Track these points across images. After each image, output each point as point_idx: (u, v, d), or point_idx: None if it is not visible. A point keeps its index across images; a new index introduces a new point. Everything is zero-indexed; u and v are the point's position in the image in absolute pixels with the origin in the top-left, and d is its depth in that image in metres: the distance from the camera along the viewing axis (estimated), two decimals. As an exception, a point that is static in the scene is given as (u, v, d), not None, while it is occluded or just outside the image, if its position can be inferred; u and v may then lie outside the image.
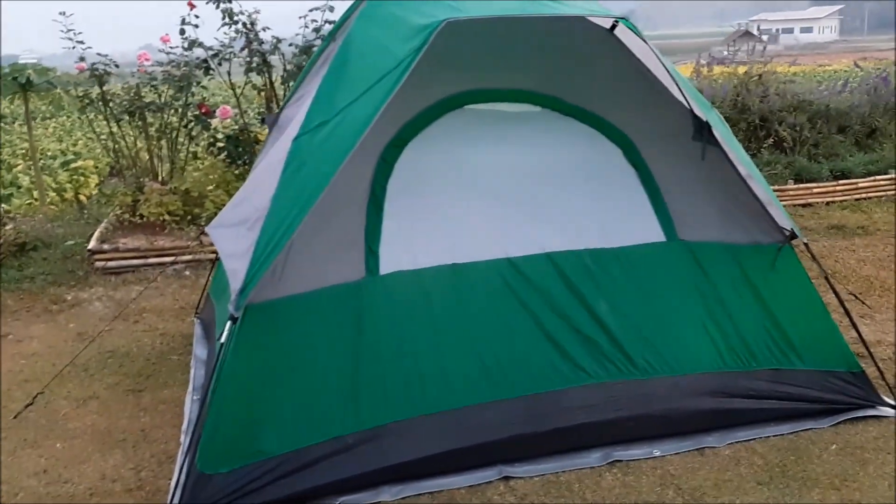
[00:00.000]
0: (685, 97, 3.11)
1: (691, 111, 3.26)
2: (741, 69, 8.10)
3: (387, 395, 2.92)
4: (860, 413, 3.35)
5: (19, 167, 10.92)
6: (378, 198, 3.10)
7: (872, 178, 7.43)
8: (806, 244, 3.44)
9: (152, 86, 6.62)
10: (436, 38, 2.80)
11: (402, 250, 3.09)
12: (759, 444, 3.19)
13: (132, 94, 6.60)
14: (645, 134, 3.41)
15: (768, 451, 3.14)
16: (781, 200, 7.17)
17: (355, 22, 3.17)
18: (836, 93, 8.44)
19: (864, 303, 4.66)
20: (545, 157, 3.37)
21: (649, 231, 3.38)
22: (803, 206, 7.19)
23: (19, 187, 9.79)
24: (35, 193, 8.65)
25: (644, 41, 3.04)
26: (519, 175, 3.32)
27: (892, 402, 3.40)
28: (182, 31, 6.16)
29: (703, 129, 3.25)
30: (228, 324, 2.71)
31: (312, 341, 2.91)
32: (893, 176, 7.46)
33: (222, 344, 2.71)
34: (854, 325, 3.52)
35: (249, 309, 2.81)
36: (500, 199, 3.27)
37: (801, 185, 7.28)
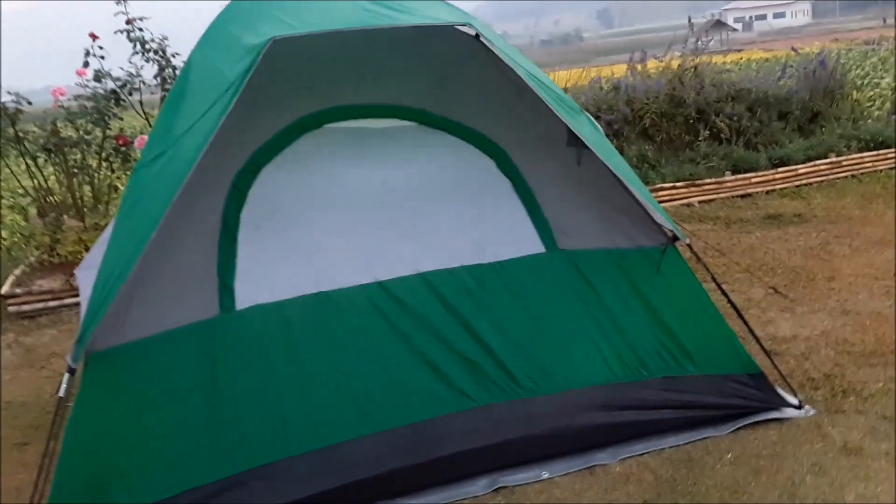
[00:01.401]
0: (548, 103, 2.97)
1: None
2: (675, 63, 8.00)
3: (247, 439, 2.76)
4: (761, 416, 3.21)
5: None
6: (230, 228, 2.95)
7: (812, 163, 7.34)
8: (689, 245, 3.30)
9: (69, 121, 6.46)
10: (281, 56, 2.68)
11: (260, 282, 2.94)
12: (652, 457, 3.04)
13: (48, 131, 6.44)
14: (518, 143, 3.28)
15: (661, 464, 3.00)
16: (720, 192, 7.13)
17: (196, 45, 3.03)
18: (775, 80, 8.34)
19: (785, 296, 4.54)
20: (414, 173, 3.22)
21: (528, 243, 3.24)
22: (742, 196, 7.09)
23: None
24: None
25: (493, 49, 2.89)
26: (387, 194, 3.17)
27: (794, 402, 3.26)
28: (86, 64, 6.00)
29: (576, 135, 3.12)
30: (66, 376, 2.55)
31: (163, 387, 2.75)
32: (832, 160, 7.36)
33: (60, 398, 2.55)
34: (748, 326, 3.37)
35: (91, 358, 2.66)
36: (368, 221, 3.13)
37: (740, 176, 7.18)
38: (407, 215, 3.17)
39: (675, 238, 3.27)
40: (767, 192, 7.12)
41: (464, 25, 2.88)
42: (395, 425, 2.91)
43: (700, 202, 7.02)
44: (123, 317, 2.73)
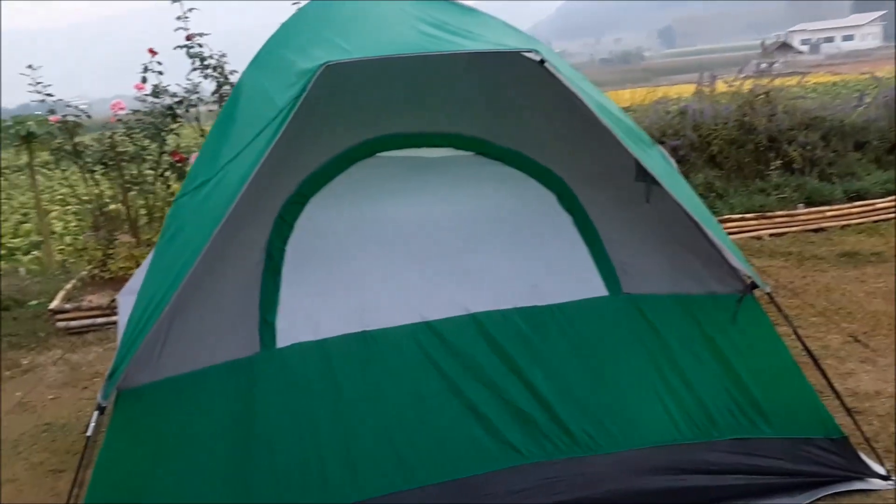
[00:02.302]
0: (616, 134, 2.74)
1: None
2: (746, 86, 7.65)
3: (280, 488, 2.58)
4: (843, 487, 2.89)
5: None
6: (275, 262, 2.79)
7: (892, 197, 6.90)
8: (769, 294, 3.01)
9: (127, 135, 6.46)
10: (333, 80, 2.53)
11: (303, 320, 2.77)
12: (720, 528, 2.77)
13: (105, 145, 6.45)
14: (582, 177, 3.06)
15: (730, 536, 2.72)
16: (792, 226, 6.75)
17: (247, 67, 2.90)
18: (852, 107, 7.92)
19: (865, 345, 4.19)
20: (469, 206, 3.03)
21: (589, 285, 3.01)
22: (815, 231, 6.70)
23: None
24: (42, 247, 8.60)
25: (559, 76, 2.68)
26: (439, 228, 2.98)
27: (881, 472, 2.94)
28: (144, 79, 5.99)
29: (645, 169, 2.88)
30: (95, 414, 2.42)
31: (196, 428, 2.60)
32: (914, 194, 6.93)
33: (88, 437, 2.42)
34: (828, 381, 3.06)
35: (122, 395, 2.53)
36: (418, 256, 2.94)
37: (813, 209, 6.80)
38: (459, 251, 2.97)
39: (754, 285, 2.99)
40: (842, 227, 6.72)
41: (529, 52, 2.68)
42: (438, 480, 2.70)
43: (770, 235, 6.65)
44: (159, 352, 2.60)
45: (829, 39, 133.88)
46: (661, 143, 7.42)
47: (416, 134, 3.04)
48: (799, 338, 3.04)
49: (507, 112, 3.06)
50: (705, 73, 8.03)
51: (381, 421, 2.73)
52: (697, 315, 2.99)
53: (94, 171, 6.49)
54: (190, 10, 6.17)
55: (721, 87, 7.87)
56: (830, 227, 6.72)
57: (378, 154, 2.99)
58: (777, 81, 8.00)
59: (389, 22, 2.86)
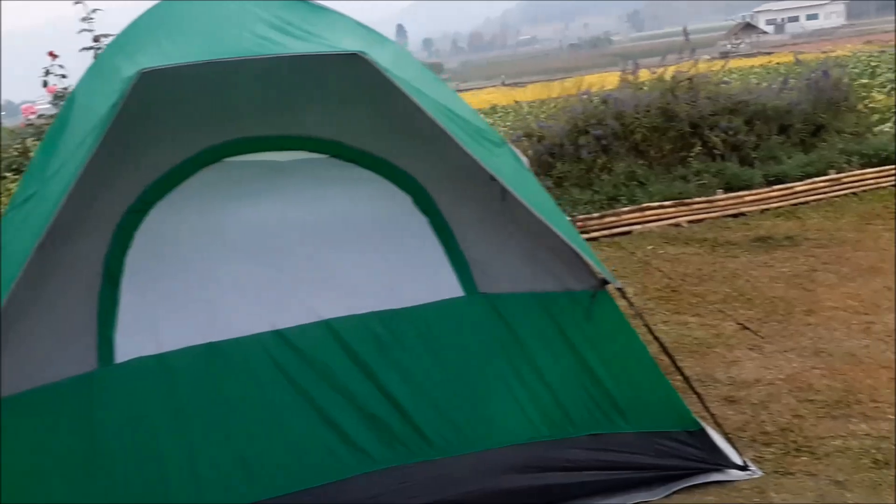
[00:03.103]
0: (454, 135, 2.71)
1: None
2: (669, 73, 7.68)
3: (122, 509, 2.54)
4: (701, 479, 2.91)
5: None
6: (113, 274, 2.73)
7: (810, 180, 6.97)
8: (620, 289, 3.01)
9: (39, 139, 6.33)
10: (175, 85, 2.56)
11: (145, 333, 2.72)
12: (576, 525, 2.77)
13: (16, 151, 6.31)
14: (436, 177, 3.02)
15: (584, 533, 2.73)
16: (710, 212, 6.80)
17: (83, 74, 2.84)
18: (776, 91, 7.97)
19: (755, 333, 4.22)
20: (322, 210, 2.98)
21: (446, 286, 2.98)
22: (734, 216, 6.75)
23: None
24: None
25: (392, 79, 2.64)
26: (291, 233, 2.94)
27: (739, 462, 2.96)
28: (45, 83, 5.86)
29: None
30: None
31: (31, 449, 2.55)
32: (832, 176, 6.99)
33: None
34: (683, 375, 3.06)
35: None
36: (268, 263, 2.89)
37: (732, 194, 6.85)
38: (312, 256, 2.93)
39: (605, 282, 2.99)
40: (762, 212, 6.77)
41: (356, 53, 2.62)
42: (288, 490, 2.67)
43: (689, 222, 6.69)
44: (-8, 370, 2.53)
45: (794, 19, 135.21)
46: (585, 132, 7.46)
47: (267, 137, 2.98)
48: (651, 331, 3.04)
49: (360, 114, 3.01)
50: (629, 62, 8.04)
51: (228, 435, 2.69)
52: (554, 312, 2.97)
53: (5, 177, 6.36)
54: (94, 10, 6.05)
55: (645, 74, 7.88)
56: (749, 211, 6.77)
57: (226, 159, 2.94)
58: (701, 66, 8.04)
59: (227, 24, 2.80)
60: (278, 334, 2.82)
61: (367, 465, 2.75)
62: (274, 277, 2.88)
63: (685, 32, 8.98)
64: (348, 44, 2.73)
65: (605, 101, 7.59)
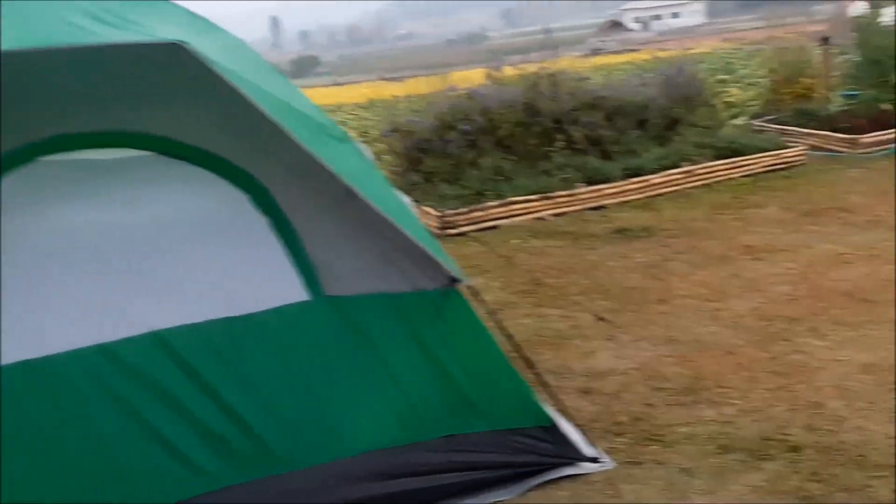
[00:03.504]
0: (288, 130, 2.57)
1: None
2: (530, 69, 7.79)
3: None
4: (555, 474, 2.91)
5: None
6: None
7: (665, 172, 7.23)
8: (471, 287, 2.96)
9: None
10: None
11: (-54, 353, 2.43)
12: (430, 530, 2.70)
13: None
14: (277, 173, 2.86)
15: (437, 538, 2.66)
16: (573, 205, 6.93)
17: None
18: (634, 87, 8.24)
19: (611, 323, 4.31)
20: (151, 212, 2.76)
21: (289, 290, 2.83)
22: (596, 209, 6.91)
23: None
24: None
25: (215, 70, 2.46)
26: (116, 238, 2.71)
27: (592, 455, 2.98)
28: None
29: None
30: None
31: None
32: (685, 169, 7.28)
33: None
34: (533, 369, 3.06)
35: None
36: (92, 272, 2.65)
37: (593, 188, 7.01)
38: (140, 263, 2.71)
39: (455, 280, 2.93)
40: (621, 204, 6.96)
41: (180, 44, 2.43)
42: (118, 514, 2.46)
43: (553, 215, 6.80)
44: None
45: (659, 17, 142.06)
46: (452, 127, 7.44)
47: (87, 134, 2.73)
48: (502, 329, 3.01)
49: (189, 109, 2.81)
50: (493, 60, 8.10)
51: (46, 461, 2.45)
52: (405, 313, 2.89)
53: None
54: None
55: (509, 71, 7.96)
56: (609, 204, 6.95)
57: (42, 158, 2.67)
58: (564, 63, 8.21)
59: (37, 11, 2.54)
60: (103, 349, 2.59)
61: (204, 484, 2.58)
62: (98, 287, 2.65)
63: (547, 30, 9.12)
64: (168, 33, 2.53)
65: (471, 97, 7.61)
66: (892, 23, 8.48)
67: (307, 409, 2.75)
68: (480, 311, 3.02)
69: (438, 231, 6.52)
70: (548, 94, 7.57)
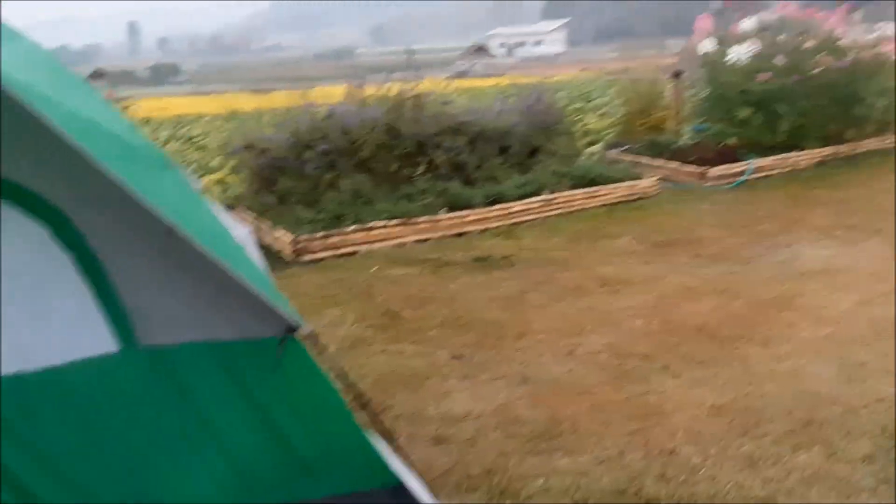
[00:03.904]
0: (91, 158, 2.20)
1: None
2: (394, 90, 7.59)
3: None
4: (402, 539, 2.65)
5: None
6: None
7: (526, 201, 7.21)
8: (313, 335, 2.67)
9: None
10: None
11: None
12: None
13: None
14: (84, 205, 2.46)
15: None
16: (435, 231, 6.75)
17: None
18: (496, 113, 8.20)
19: (469, 360, 4.13)
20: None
21: (96, 339, 2.44)
22: (457, 235, 6.77)
23: None
24: None
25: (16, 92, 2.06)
26: None
27: (443, 513, 2.75)
28: None
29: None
30: None
31: None
32: (545, 197, 7.29)
33: None
34: (376, 422, 2.80)
35: None
36: None
37: (455, 214, 6.86)
38: None
39: (293, 328, 2.63)
40: (482, 232, 6.87)
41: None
42: None
43: (415, 242, 6.60)
44: None
45: (522, 44, 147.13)
46: (310, 147, 7.10)
47: None
48: (340, 381, 2.73)
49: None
50: (355, 78, 7.84)
51: None
52: (233, 364, 2.55)
53: None
54: None
55: (370, 90, 7.73)
56: (471, 231, 6.84)
57: None
58: (426, 84, 8.07)
59: None
60: None
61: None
62: None
63: (409, 52, 8.97)
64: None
65: (330, 115, 7.30)
66: (737, 60, 8.92)
67: (114, 480, 2.36)
68: (327, 356, 2.73)
69: (293, 257, 6.17)
70: (411, 117, 7.39)
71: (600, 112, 14.84)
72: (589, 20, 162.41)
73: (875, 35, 9.63)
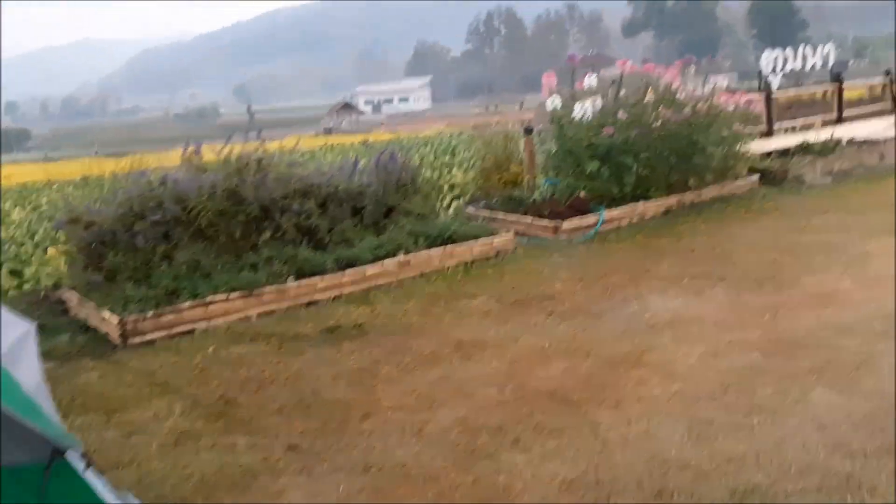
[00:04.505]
0: None
1: None
2: (236, 151, 7.20)
3: None
4: None
5: None
6: None
7: (381, 263, 6.95)
8: (86, 455, 2.25)
9: None
10: None
11: None
12: None
13: None
14: None
15: None
16: (282, 302, 6.35)
17: None
18: (348, 174, 7.96)
19: (307, 450, 3.76)
20: None
21: None
22: (307, 304, 6.40)
23: None
24: None
25: None
26: None
27: None
28: None
29: None
30: None
31: None
32: (401, 258, 7.06)
33: None
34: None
35: None
36: None
37: (305, 281, 6.49)
38: None
39: (62, 451, 2.21)
40: (334, 299, 6.53)
41: None
42: None
43: (260, 314, 6.18)
44: None
45: (389, 101, 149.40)
46: (142, 216, 6.57)
47: None
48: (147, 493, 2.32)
49: None
50: (192, 142, 7.40)
51: None
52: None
53: None
54: None
55: (209, 154, 7.30)
56: (322, 299, 6.49)
57: None
58: (274, 146, 7.74)
59: None
60: None
61: None
62: None
63: (249, 111, 8.64)
64: None
65: (163, 182, 6.81)
66: (583, 115, 9.13)
67: None
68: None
69: (120, 341, 5.59)
70: (254, 181, 7.01)
71: (464, 167, 14.94)
72: (453, 76, 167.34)
73: (709, 88, 10.14)
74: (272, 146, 7.87)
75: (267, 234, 6.89)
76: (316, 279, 6.57)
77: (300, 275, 6.59)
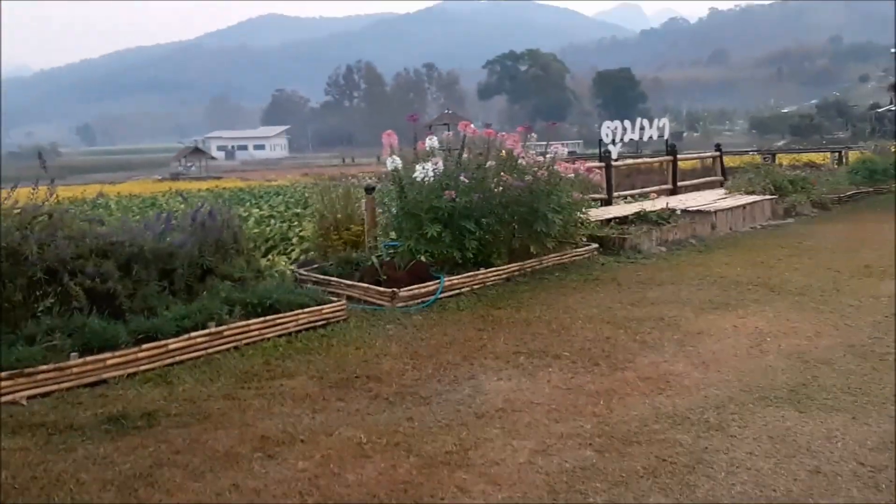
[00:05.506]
0: None
1: None
2: (21, 202, 6.22)
3: None
4: None
5: None
6: None
7: (187, 335, 6.13)
8: None
9: None
10: None
11: None
12: None
13: None
14: None
15: None
16: (63, 382, 5.38)
17: None
18: (158, 231, 7.10)
19: None
20: None
21: None
22: (94, 384, 5.47)
23: None
24: None
25: None
26: None
27: None
28: None
29: None
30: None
31: None
32: (212, 330, 6.27)
33: None
34: None
35: None
36: None
37: (92, 358, 5.57)
38: None
39: None
40: (128, 377, 5.65)
41: None
42: None
43: (31, 397, 5.19)
44: None
45: (244, 147, 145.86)
46: None
47: None
48: None
49: None
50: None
51: None
52: None
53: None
54: None
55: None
56: (113, 377, 5.58)
57: None
58: (66, 194, 6.78)
59: None
60: None
61: None
62: None
63: (41, 157, 7.68)
64: None
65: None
66: (424, 177, 8.76)
67: None
68: None
69: None
70: (40, 238, 6.04)
71: (315, 219, 14.26)
72: (311, 126, 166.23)
73: (550, 155, 10.09)
74: (92, 189, 6.92)
75: (50, 300, 5.91)
76: (106, 354, 5.66)
77: (87, 349, 5.66)
